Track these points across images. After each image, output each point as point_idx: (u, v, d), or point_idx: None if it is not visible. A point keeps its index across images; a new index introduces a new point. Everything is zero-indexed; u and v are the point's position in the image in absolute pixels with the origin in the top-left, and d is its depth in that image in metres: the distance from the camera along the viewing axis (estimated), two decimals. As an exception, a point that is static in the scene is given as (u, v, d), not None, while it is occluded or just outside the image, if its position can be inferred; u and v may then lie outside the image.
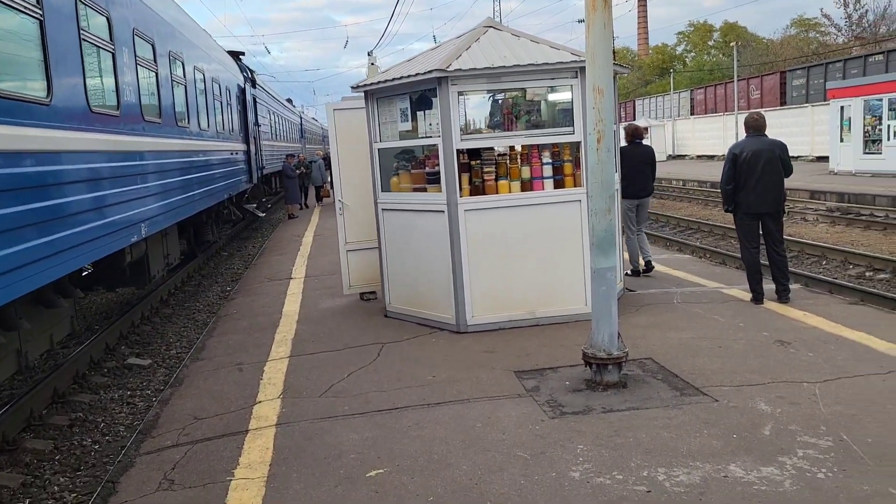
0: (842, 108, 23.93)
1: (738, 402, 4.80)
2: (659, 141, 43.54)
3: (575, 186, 7.00)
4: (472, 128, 7.15)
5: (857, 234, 14.69)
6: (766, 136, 7.47)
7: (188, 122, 10.92)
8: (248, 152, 18.15)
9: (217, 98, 14.02)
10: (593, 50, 4.93)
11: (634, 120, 49.46)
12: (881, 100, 22.10)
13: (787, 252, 7.72)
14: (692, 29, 70.01)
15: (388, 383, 5.68)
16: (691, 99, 49.33)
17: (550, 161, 6.98)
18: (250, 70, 21.14)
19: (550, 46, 7.03)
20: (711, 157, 40.92)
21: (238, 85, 17.88)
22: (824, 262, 12.02)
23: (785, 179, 7.44)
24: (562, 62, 6.64)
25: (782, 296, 7.44)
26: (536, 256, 6.98)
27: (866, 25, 45.36)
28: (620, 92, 66.16)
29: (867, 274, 10.98)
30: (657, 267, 9.82)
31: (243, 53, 21.68)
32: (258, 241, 18.66)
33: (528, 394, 5.24)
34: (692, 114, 47.74)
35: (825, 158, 27.66)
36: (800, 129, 32.79)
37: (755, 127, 7.48)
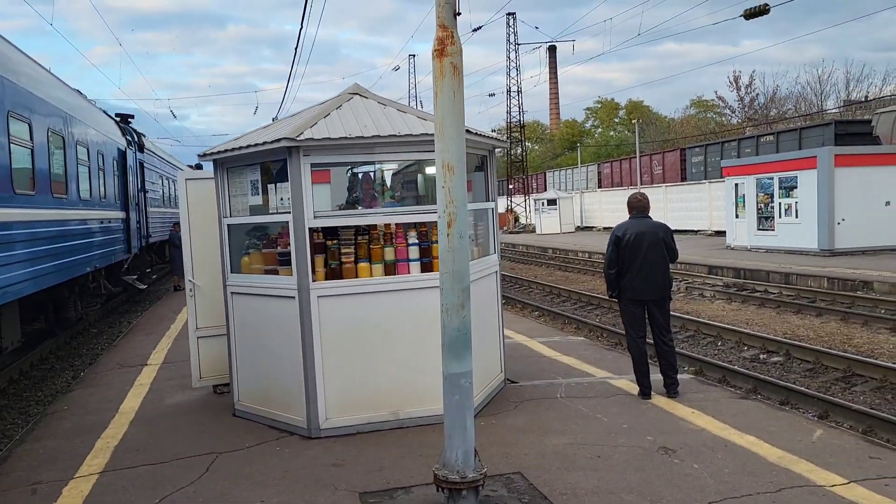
0: (736, 185, 24.58)
1: (609, 536, 4.06)
2: (567, 213, 44.18)
3: (445, 270, 6.29)
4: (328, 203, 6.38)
5: (752, 311, 14.60)
6: (649, 217, 7.03)
7: (31, 189, 9.76)
8: (126, 220, 16.86)
9: (83, 163, 12.86)
10: (442, 122, 4.29)
11: (546, 191, 50.23)
12: (772, 178, 22.78)
13: (674, 342, 7.20)
14: (599, 105, 72.74)
15: (205, 512, 4.68)
16: (599, 172, 50.58)
17: (417, 242, 6.27)
18: (137, 134, 19.96)
19: (418, 117, 6.41)
20: (617, 230, 41.62)
21: (118, 149, 16.72)
22: (720, 343, 11.70)
23: (671, 264, 6.98)
24: (426, 134, 6.00)
25: (671, 390, 6.87)
26: (402, 348, 6.18)
27: (757, 108, 47.96)
28: (532, 164, 67.88)
29: (761, 356, 10.67)
30: (549, 353, 9.20)
31: (132, 117, 20.54)
32: (137, 315, 17.19)
33: (369, 526, 4.35)
34: (600, 186, 48.85)
35: (723, 233, 28.31)
36: (699, 203, 33.74)
37: (639, 208, 7.03)
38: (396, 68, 69.03)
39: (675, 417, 6.25)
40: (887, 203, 20.81)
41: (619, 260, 6.86)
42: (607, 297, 7.44)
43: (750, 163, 25.09)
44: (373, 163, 6.30)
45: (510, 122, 49.52)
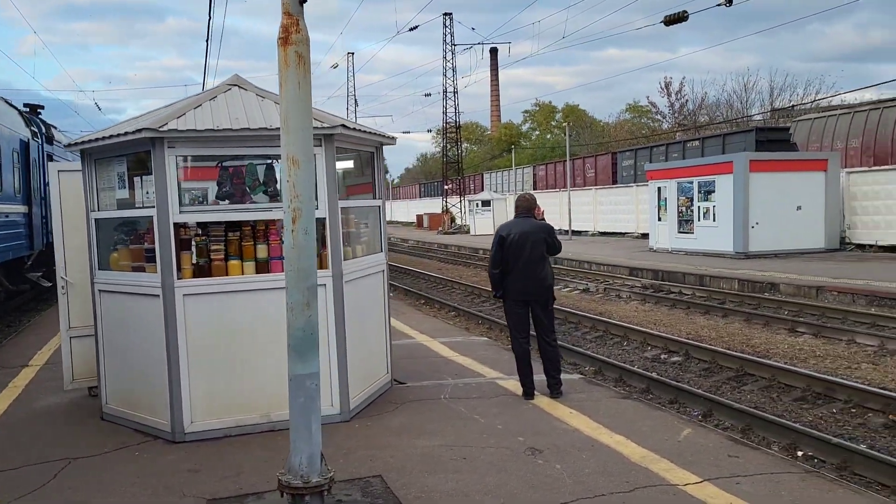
0: (659, 188, 25.06)
1: (450, 541, 3.96)
2: (501, 214, 44.35)
3: (322, 268, 6.13)
4: (194, 197, 6.16)
5: (663, 312, 14.84)
6: (534, 218, 7.01)
7: None
8: (28, 214, 16.13)
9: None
10: (286, 114, 4.13)
11: (481, 193, 50.42)
12: (692, 182, 23.30)
13: (557, 342, 7.18)
14: (537, 108, 73.46)
15: (36, 522, 4.41)
16: (534, 174, 51.05)
17: (292, 239, 6.08)
18: (46, 125, 19.14)
19: (295, 110, 6.21)
20: (549, 231, 42.12)
21: (21, 140, 15.97)
22: (625, 343, 11.84)
23: (556, 256, 6.98)
24: (301, 128, 5.84)
25: (554, 390, 6.86)
26: (275, 349, 5.95)
27: (686, 114, 49.14)
28: (470, 165, 68.08)
29: (662, 356, 10.82)
30: (447, 353, 9.11)
31: (42, 107, 19.73)
32: (38, 314, 16.46)
33: (206, 535, 4.16)
34: (535, 188, 49.28)
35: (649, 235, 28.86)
36: (626, 206, 34.32)
37: (525, 207, 7.01)
38: (335, 66, 68.36)
39: (552, 418, 6.22)
40: (798, 208, 21.50)
41: (504, 260, 6.82)
42: (492, 297, 7.37)
43: (671, 167, 25.63)
44: (244, 156, 6.08)
45: (446, 123, 49.53)
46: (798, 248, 21.40)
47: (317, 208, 5.98)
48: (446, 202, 50.86)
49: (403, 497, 4.60)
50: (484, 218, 44.02)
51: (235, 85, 6.70)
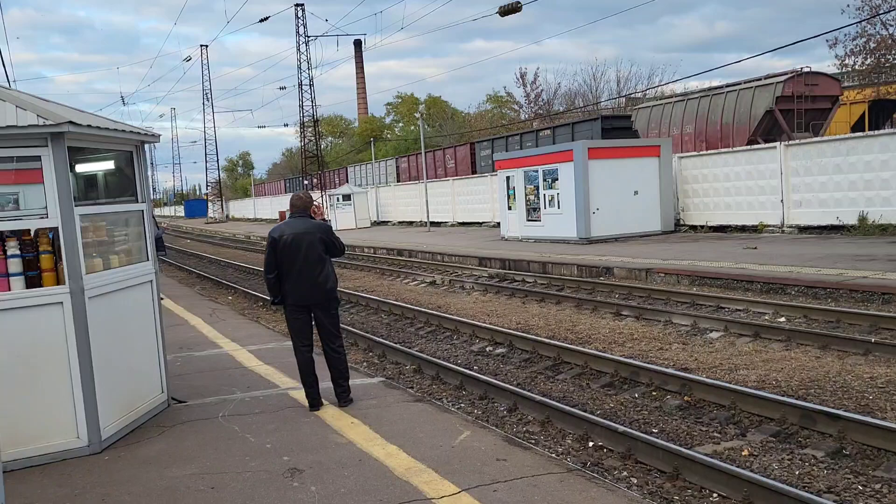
0: (507, 177, 25.34)
1: None
2: (362, 208, 43.90)
3: (58, 284, 5.43)
4: None
5: (501, 302, 14.84)
6: (310, 217, 6.57)
7: None
8: None
9: None
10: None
11: (341, 187, 49.65)
12: (537, 171, 23.68)
13: (344, 348, 6.78)
14: (400, 100, 73.20)
15: None
16: (397, 167, 50.79)
17: (20, 253, 5.34)
18: None
19: (17, 106, 5.45)
20: (411, 223, 42.04)
21: None
22: (455, 338, 11.66)
23: (337, 259, 6.57)
24: (34, 125, 5.12)
25: (342, 399, 6.47)
26: (4, 379, 5.24)
27: (542, 103, 50.40)
28: (333, 158, 66.95)
29: (488, 349, 10.71)
30: (251, 363, 8.53)
31: None
32: None
33: None
34: (398, 180, 49.06)
35: (502, 224, 29.20)
36: (483, 196, 34.68)
37: (299, 207, 6.56)
38: (188, 59, 65.33)
39: (330, 430, 5.81)
40: (636, 193, 22.28)
41: (278, 263, 6.34)
42: (271, 305, 6.89)
43: (518, 156, 25.98)
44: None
45: (303, 117, 48.37)
46: (637, 231, 22.21)
47: (46, 216, 5.33)
48: (308, 198, 49.68)
49: (121, 544, 4.04)
50: (345, 212, 43.39)
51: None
